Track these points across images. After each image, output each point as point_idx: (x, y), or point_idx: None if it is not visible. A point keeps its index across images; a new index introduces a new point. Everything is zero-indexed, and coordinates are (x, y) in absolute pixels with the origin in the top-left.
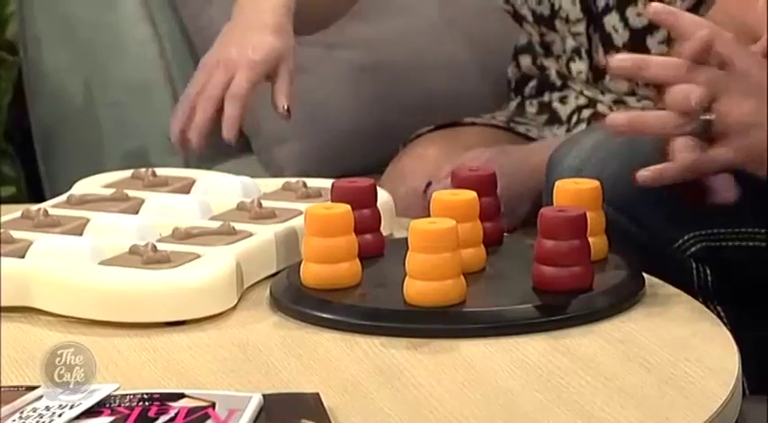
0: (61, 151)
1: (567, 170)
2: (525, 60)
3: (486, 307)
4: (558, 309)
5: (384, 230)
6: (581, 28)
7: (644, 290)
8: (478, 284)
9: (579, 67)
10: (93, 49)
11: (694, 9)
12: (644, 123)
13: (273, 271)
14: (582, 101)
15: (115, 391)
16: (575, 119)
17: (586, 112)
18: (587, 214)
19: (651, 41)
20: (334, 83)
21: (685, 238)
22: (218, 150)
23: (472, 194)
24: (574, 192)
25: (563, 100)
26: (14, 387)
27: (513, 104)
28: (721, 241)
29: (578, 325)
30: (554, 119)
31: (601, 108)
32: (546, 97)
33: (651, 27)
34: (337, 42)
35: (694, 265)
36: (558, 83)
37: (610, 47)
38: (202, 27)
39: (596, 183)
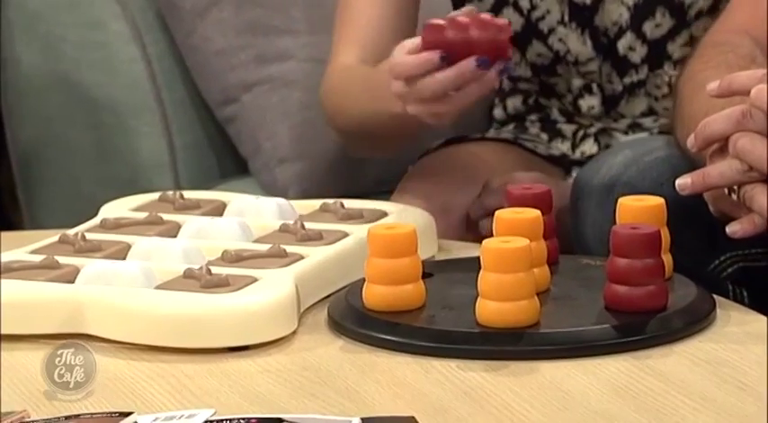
0: (42, 176)
1: (598, 189)
2: (514, 102)
3: (563, 328)
4: (637, 329)
5: (428, 252)
6: (593, 66)
7: (716, 309)
8: (548, 305)
9: (590, 102)
10: (78, 69)
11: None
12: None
13: (326, 294)
14: (592, 130)
15: (212, 416)
16: (580, 134)
17: (592, 129)
18: None
19: (672, 47)
20: None
21: (721, 258)
22: (211, 173)
23: (536, 213)
24: (638, 209)
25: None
26: (107, 414)
27: (511, 126)
28: (758, 261)
29: (656, 345)
30: (557, 134)
31: (616, 134)
32: (548, 125)
33: (672, 33)
34: None
35: (731, 287)
36: (562, 119)
37: (627, 67)
38: (195, 46)
39: (660, 200)
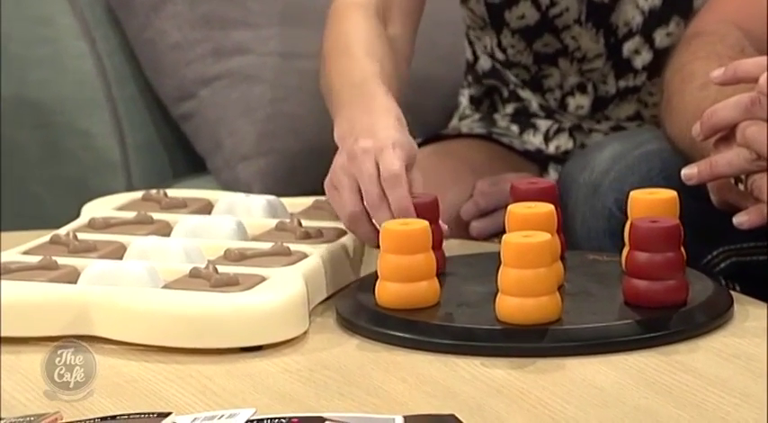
0: None
1: (586, 185)
2: (491, 82)
3: (587, 323)
4: (661, 323)
5: None
6: (598, 63)
7: (734, 304)
8: (566, 301)
9: (581, 101)
10: (24, 66)
11: None
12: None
13: (331, 292)
14: (567, 124)
15: (253, 415)
16: (554, 128)
17: (567, 124)
18: None
19: None
20: (297, 93)
21: (714, 253)
22: (164, 172)
23: (549, 207)
24: (651, 202)
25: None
26: (144, 414)
27: (476, 117)
28: (751, 256)
29: (680, 341)
30: (529, 126)
31: (593, 134)
32: (523, 118)
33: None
34: (296, 52)
35: (723, 282)
36: (542, 114)
37: (627, 70)
38: (150, 40)
39: (673, 193)
